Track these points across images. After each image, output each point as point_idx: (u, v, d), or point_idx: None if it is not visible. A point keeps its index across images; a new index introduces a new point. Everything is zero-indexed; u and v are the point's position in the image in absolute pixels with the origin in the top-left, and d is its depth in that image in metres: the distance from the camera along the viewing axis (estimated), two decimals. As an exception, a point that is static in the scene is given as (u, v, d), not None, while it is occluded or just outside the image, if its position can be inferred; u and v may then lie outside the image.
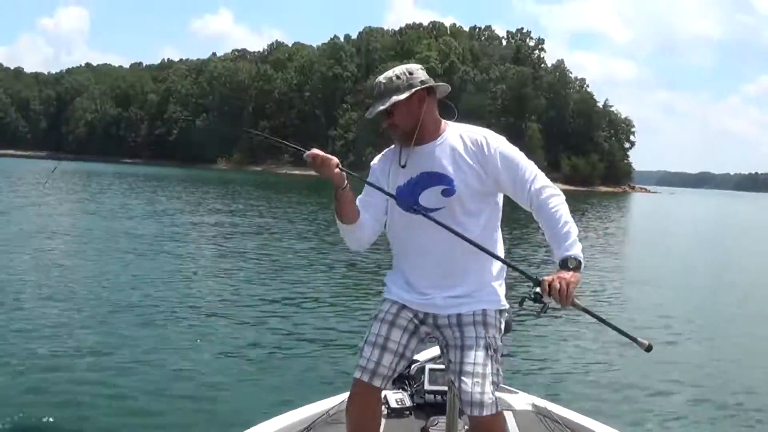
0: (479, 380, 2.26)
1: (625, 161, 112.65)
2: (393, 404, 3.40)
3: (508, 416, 2.80)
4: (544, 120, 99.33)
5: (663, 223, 39.33)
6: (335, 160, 2.31)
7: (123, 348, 7.23)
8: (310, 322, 9.17)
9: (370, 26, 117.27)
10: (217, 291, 11.03)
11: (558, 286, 2.20)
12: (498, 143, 2.41)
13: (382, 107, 2.38)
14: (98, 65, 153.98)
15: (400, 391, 3.51)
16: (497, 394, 2.32)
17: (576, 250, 2.30)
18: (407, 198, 2.41)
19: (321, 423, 3.23)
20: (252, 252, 15.66)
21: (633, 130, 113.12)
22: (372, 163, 2.61)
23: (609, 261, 17.44)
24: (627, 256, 19.49)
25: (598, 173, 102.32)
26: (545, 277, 2.24)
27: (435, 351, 3.44)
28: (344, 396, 3.34)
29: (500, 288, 2.50)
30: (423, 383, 3.46)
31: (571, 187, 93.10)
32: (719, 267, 17.75)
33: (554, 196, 2.41)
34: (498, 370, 2.35)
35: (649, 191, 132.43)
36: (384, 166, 2.53)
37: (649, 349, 2.27)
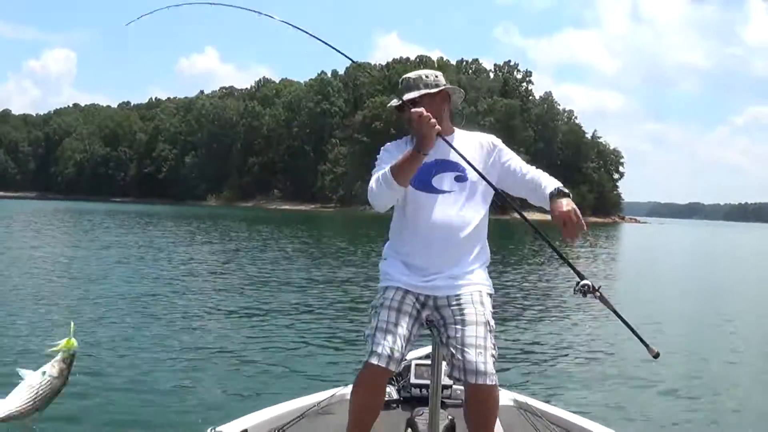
0: (481, 351, 2.42)
1: (615, 192, 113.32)
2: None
3: None
4: (532, 152, 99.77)
5: (653, 252, 39.74)
6: (438, 127, 2.47)
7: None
8: (299, 327, 10.07)
9: (357, 61, 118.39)
10: (212, 303, 11.92)
11: (569, 210, 2.50)
12: (502, 144, 2.78)
13: (412, 95, 2.64)
14: (86, 105, 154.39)
15: (388, 385, 3.57)
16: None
17: (559, 184, 2.62)
18: (423, 177, 2.58)
19: (312, 414, 3.37)
20: (246, 273, 16.78)
21: (622, 160, 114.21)
22: (386, 145, 2.78)
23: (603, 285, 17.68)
24: (618, 282, 19.85)
25: (588, 204, 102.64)
26: (556, 213, 2.52)
27: (421, 351, 3.62)
28: (334, 391, 3.62)
29: (488, 275, 2.74)
30: (409, 378, 3.62)
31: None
32: (708, 293, 18.04)
33: (536, 172, 2.77)
34: (494, 345, 2.50)
35: (639, 221, 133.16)
36: (400, 151, 2.63)
37: (657, 356, 2.46)
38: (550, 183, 2.64)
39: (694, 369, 8.70)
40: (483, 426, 2.51)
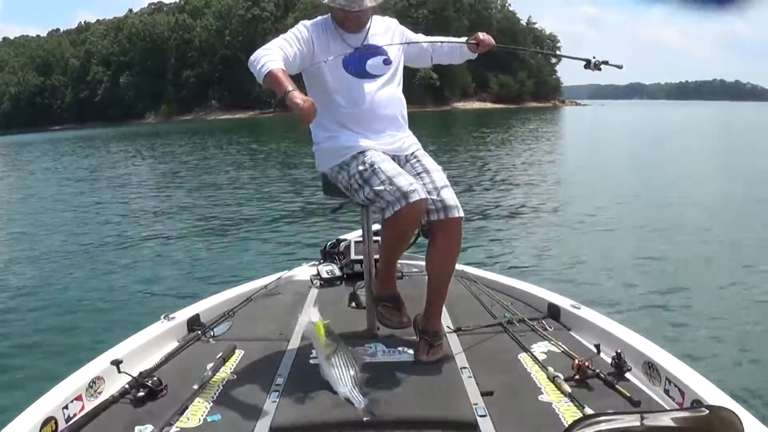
0: (451, 190, 2.61)
1: (554, 76, 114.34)
2: (324, 275, 3.77)
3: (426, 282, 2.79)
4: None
5: (593, 132, 39.57)
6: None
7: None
8: (252, 218, 11.26)
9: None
10: (165, 208, 13.09)
11: (482, 36, 2.86)
12: (404, 27, 2.94)
13: (373, 4, 2.65)
14: (15, 38, 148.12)
15: (331, 264, 3.88)
16: None
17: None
18: (357, 65, 2.67)
19: (260, 296, 3.50)
20: (193, 181, 17.77)
21: (559, 45, 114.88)
22: (306, 24, 2.71)
23: (546, 168, 18.55)
24: (562, 164, 20.51)
25: (528, 90, 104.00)
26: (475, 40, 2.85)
27: (359, 232, 3.48)
28: (280, 274, 3.85)
29: None
30: (349, 255, 3.83)
31: (502, 105, 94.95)
32: (650, 166, 18.50)
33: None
34: None
35: (580, 104, 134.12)
36: (320, 34, 2.68)
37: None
38: (461, 39, 2.94)
39: (631, 224, 9.48)
40: (451, 262, 2.68)
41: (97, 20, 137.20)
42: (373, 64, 2.70)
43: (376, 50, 2.72)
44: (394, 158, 2.68)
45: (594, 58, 2.75)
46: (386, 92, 2.70)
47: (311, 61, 2.64)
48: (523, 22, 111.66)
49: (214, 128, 59.16)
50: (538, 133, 35.32)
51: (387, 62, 2.74)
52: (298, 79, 2.58)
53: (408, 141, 2.77)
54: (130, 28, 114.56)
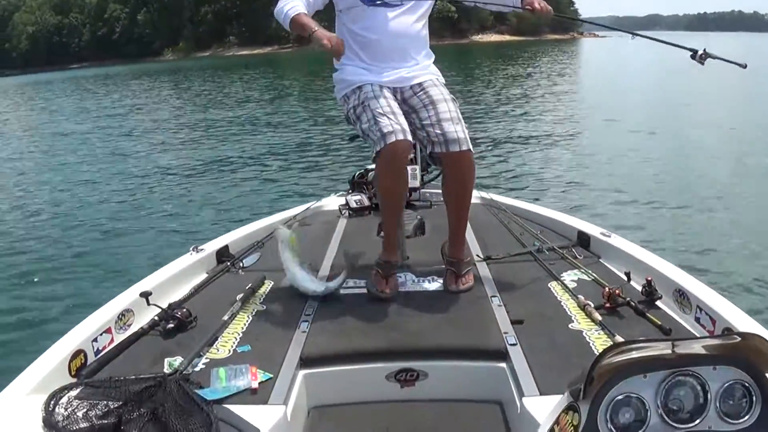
0: (457, 122, 2.52)
1: (572, 8, 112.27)
2: (353, 205, 3.74)
3: None
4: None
5: (614, 63, 39.18)
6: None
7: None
8: (279, 150, 11.32)
9: None
10: (193, 140, 13.44)
11: (541, 5, 2.64)
12: None
13: None
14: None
15: (359, 194, 3.84)
16: None
17: None
18: None
19: (287, 226, 3.44)
20: (216, 116, 17.80)
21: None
22: None
23: (570, 99, 18.49)
24: (586, 94, 20.12)
25: (546, 22, 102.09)
26: (534, 6, 2.63)
27: None
28: (308, 204, 3.88)
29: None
30: None
31: (520, 38, 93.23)
32: (676, 94, 18.52)
33: None
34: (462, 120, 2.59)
35: (598, 36, 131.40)
36: None
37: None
38: None
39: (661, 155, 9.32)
40: (463, 193, 2.63)
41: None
42: None
43: None
44: (396, 91, 2.64)
45: (703, 50, 2.52)
46: (402, 22, 2.61)
47: None
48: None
49: (233, 64, 58.88)
50: (559, 65, 34.87)
51: None
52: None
53: (416, 71, 2.68)
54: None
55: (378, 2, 2.59)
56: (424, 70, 2.71)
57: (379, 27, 2.59)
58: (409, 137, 2.43)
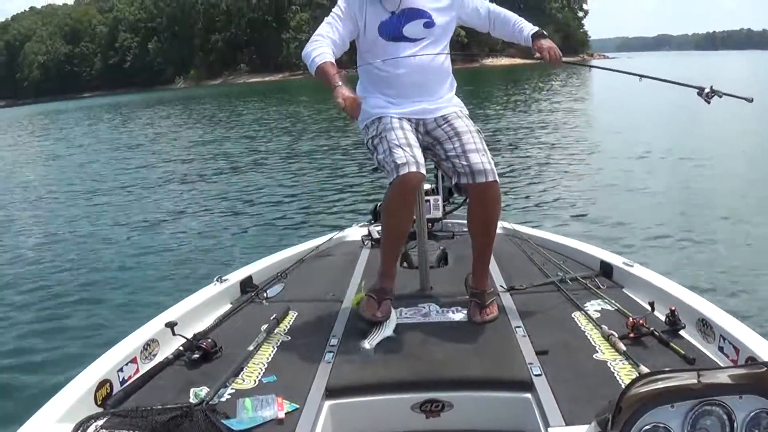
0: (483, 153, 2.55)
1: (581, 30, 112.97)
2: (375, 235, 3.68)
3: None
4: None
5: (626, 85, 38.47)
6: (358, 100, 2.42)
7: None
8: (302, 181, 11.37)
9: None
10: (214, 170, 13.28)
11: (550, 47, 2.74)
12: None
13: None
14: (42, 7, 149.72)
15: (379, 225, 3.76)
16: None
17: (535, 27, 2.81)
18: (392, 29, 2.63)
19: (311, 257, 3.51)
20: (234, 144, 17.93)
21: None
22: None
23: (585, 125, 18.38)
24: (599, 120, 19.92)
25: (555, 44, 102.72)
26: (542, 52, 2.73)
27: None
28: (330, 235, 3.90)
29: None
30: None
31: (530, 61, 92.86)
32: (691, 119, 17.50)
33: (502, 9, 2.90)
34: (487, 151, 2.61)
35: (608, 57, 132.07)
36: (361, 3, 2.66)
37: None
38: (526, 26, 2.81)
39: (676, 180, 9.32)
40: (489, 224, 2.64)
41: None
42: (411, 27, 2.65)
43: (416, 13, 2.66)
44: (419, 123, 2.65)
45: (710, 87, 2.57)
46: (423, 57, 2.64)
47: (361, 31, 2.67)
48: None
49: (246, 91, 59.06)
50: (571, 88, 34.82)
51: (429, 25, 2.67)
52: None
53: (439, 104, 2.70)
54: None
55: (399, 38, 2.63)
56: (447, 102, 2.73)
57: (401, 62, 2.62)
58: (423, 170, 2.44)
